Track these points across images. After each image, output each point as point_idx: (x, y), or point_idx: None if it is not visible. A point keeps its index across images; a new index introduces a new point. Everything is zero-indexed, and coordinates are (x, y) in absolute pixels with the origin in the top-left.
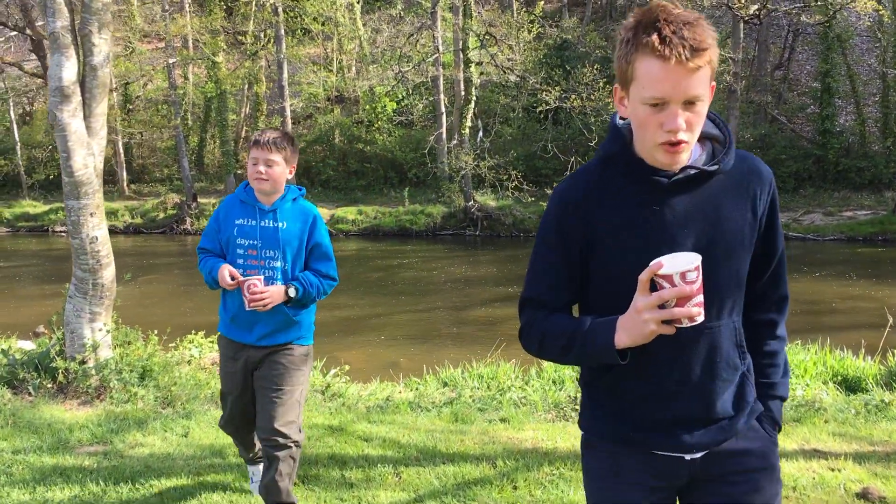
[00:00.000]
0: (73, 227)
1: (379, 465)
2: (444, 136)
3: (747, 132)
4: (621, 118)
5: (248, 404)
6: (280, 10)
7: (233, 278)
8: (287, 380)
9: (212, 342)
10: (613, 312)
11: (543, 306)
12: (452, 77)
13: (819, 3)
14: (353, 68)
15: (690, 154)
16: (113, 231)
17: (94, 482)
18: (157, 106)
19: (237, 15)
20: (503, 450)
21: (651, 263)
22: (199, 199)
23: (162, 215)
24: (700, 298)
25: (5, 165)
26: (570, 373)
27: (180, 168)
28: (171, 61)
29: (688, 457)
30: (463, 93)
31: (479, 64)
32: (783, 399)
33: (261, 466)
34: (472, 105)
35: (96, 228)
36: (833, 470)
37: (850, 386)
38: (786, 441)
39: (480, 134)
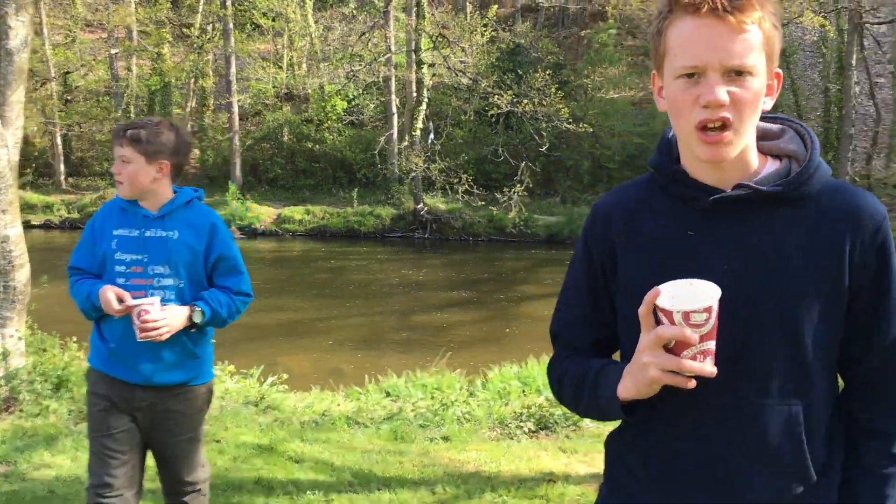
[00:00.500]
0: None
1: (309, 491)
2: (395, 137)
3: None
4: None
5: (136, 466)
6: (229, 3)
7: (121, 301)
8: (188, 428)
9: None
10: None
11: (567, 345)
12: (404, 78)
13: None
14: (304, 65)
15: (750, 168)
16: (48, 226)
17: None
18: (99, 97)
19: (183, 6)
20: (444, 473)
21: (650, 292)
22: None
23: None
24: (709, 346)
25: None
26: (516, 384)
27: None
28: (112, 52)
29: None
30: (415, 94)
31: (431, 65)
32: None
33: None
34: (424, 107)
35: (8, 227)
36: None
37: None
38: None
39: (431, 136)
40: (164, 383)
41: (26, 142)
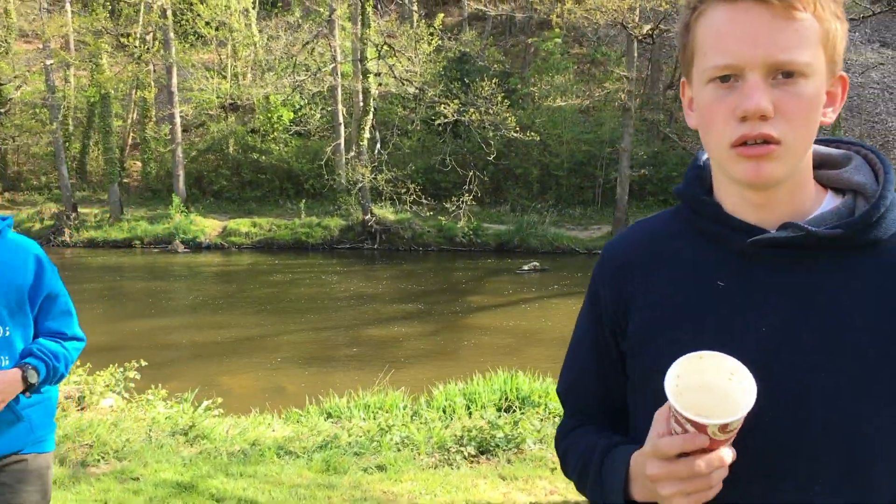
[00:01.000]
0: None
1: None
2: (343, 147)
3: (641, 149)
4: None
5: None
6: (169, 12)
7: None
8: None
9: (87, 373)
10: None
11: (573, 410)
12: (351, 87)
13: None
14: (249, 75)
15: (803, 203)
16: None
17: None
18: (35, 109)
19: (122, 16)
20: None
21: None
22: (79, 210)
23: (38, 226)
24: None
25: None
26: (461, 401)
27: (59, 176)
28: (48, 62)
29: None
30: (361, 104)
31: (377, 75)
32: None
33: None
34: (371, 116)
35: None
36: None
37: None
38: None
39: (378, 146)
40: None
41: None
